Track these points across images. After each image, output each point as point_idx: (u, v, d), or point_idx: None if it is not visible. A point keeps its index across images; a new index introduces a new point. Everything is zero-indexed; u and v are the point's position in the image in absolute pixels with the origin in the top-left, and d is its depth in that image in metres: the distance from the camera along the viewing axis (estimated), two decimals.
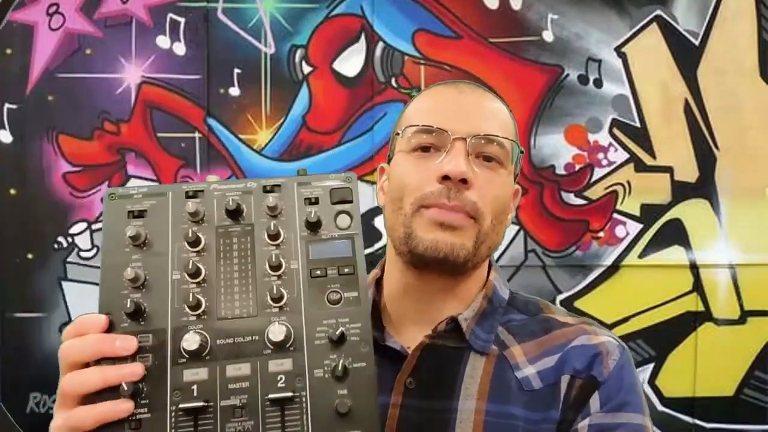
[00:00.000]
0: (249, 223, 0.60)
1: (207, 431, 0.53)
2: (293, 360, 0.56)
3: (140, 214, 0.60)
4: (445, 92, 0.82)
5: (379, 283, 0.86)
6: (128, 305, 0.55)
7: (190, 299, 0.56)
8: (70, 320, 2.10)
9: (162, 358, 0.55)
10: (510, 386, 0.73)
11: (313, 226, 0.60)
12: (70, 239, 2.12)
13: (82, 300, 2.08)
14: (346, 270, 0.60)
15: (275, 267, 0.59)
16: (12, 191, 2.11)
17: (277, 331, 0.56)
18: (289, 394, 0.54)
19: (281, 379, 0.55)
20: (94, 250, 2.12)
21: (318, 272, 0.59)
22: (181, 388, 0.54)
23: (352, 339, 0.57)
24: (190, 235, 0.58)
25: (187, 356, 0.55)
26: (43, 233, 2.11)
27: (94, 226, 2.12)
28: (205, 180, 0.63)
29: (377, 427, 0.55)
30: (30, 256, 2.11)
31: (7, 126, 2.11)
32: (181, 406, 0.53)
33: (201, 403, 0.54)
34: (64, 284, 2.12)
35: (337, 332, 0.56)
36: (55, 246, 2.12)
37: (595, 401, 0.72)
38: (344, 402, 0.54)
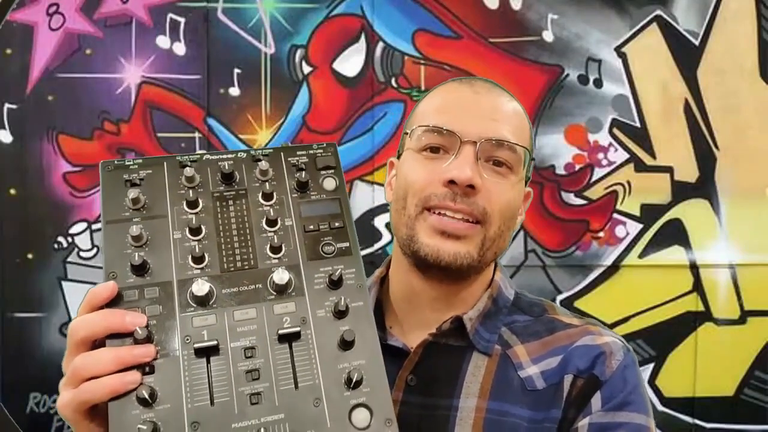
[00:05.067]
0: (243, 188, 0.64)
1: (220, 371, 0.55)
2: (296, 303, 0.59)
3: (138, 183, 0.62)
4: (459, 91, 0.80)
5: (383, 282, 0.86)
6: (136, 258, 0.57)
7: (196, 251, 0.58)
8: (70, 320, 2.10)
9: (170, 307, 0.57)
10: (512, 385, 0.73)
11: (303, 187, 0.64)
12: (70, 239, 2.12)
13: (82, 300, 2.08)
14: (337, 224, 0.63)
15: (272, 222, 0.62)
16: (12, 191, 2.11)
17: (281, 275, 0.58)
18: (297, 328, 0.57)
19: (287, 320, 0.58)
20: (94, 250, 2.12)
21: (311, 227, 0.63)
22: (191, 334, 0.56)
23: (348, 282, 0.60)
24: (191, 195, 0.61)
25: (194, 304, 0.57)
26: (43, 233, 2.11)
27: (94, 226, 2.12)
28: (196, 152, 0.66)
29: (379, 357, 0.58)
30: (30, 256, 2.11)
31: (7, 126, 2.11)
32: (195, 346, 0.55)
33: (213, 342, 0.55)
34: (64, 284, 2.12)
35: (336, 274, 0.59)
36: (55, 246, 2.12)
37: (596, 400, 0.71)
38: (350, 332, 0.57)
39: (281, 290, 0.59)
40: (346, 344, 0.57)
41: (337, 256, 0.61)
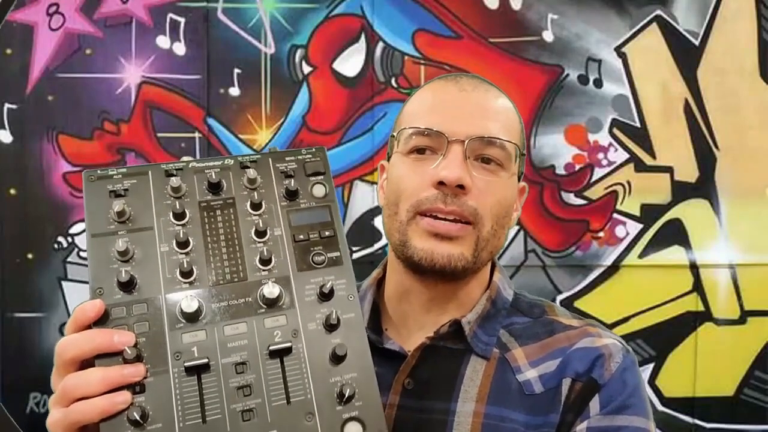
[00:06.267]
0: (230, 197, 0.62)
1: (211, 389, 0.54)
2: (287, 317, 0.58)
3: (122, 193, 0.60)
4: (445, 89, 0.78)
5: (380, 283, 0.85)
6: (123, 275, 0.56)
7: (184, 266, 0.57)
8: None
9: (159, 324, 0.56)
10: (511, 390, 0.72)
11: (292, 195, 0.63)
12: (70, 239, 2.12)
13: (82, 300, 2.08)
14: (327, 233, 0.62)
15: (261, 233, 0.61)
16: (12, 191, 2.11)
17: (271, 289, 0.58)
18: (289, 344, 0.56)
19: (277, 334, 0.57)
20: None
21: (301, 236, 0.62)
22: (181, 351, 0.55)
23: (339, 293, 0.60)
24: (177, 207, 0.60)
25: (183, 320, 0.56)
26: (43, 233, 2.11)
27: None
28: (181, 160, 0.65)
29: (371, 370, 0.58)
30: (30, 256, 2.11)
31: (7, 126, 2.11)
32: (185, 364, 0.54)
33: (204, 360, 0.54)
34: (64, 284, 2.12)
35: (327, 286, 0.59)
36: (55, 246, 2.12)
37: (594, 404, 0.70)
38: (342, 346, 0.57)
39: (271, 303, 0.58)
40: (337, 358, 0.57)
41: (328, 266, 0.61)
